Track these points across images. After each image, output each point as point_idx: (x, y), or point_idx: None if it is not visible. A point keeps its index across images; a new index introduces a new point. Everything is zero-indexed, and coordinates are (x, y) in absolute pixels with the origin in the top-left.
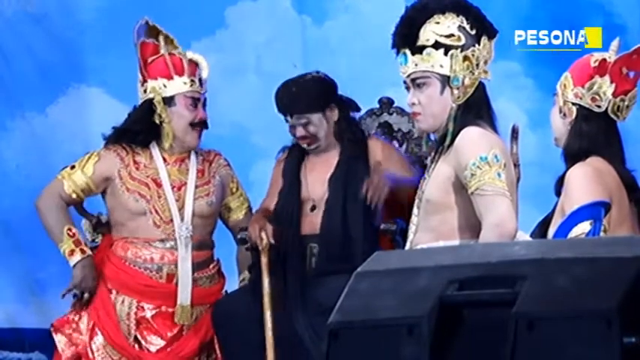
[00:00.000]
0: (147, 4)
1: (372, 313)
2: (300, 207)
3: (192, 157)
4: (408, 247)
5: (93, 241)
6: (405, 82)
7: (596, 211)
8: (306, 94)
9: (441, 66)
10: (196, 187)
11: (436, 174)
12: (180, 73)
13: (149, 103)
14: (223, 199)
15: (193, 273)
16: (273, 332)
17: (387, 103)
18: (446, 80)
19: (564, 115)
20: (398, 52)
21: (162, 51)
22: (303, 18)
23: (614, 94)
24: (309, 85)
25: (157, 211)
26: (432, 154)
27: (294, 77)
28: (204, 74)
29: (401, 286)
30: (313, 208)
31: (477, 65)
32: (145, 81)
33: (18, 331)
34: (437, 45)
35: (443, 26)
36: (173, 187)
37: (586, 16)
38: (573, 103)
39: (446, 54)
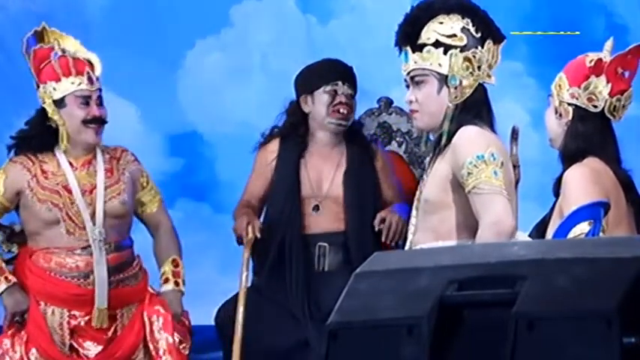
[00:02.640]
0: (151, 3)
1: (372, 313)
2: (301, 207)
3: (99, 157)
4: (407, 247)
5: (9, 251)
6: (405, 80)
7: (595, 211)
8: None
9: (440, 65)
10: (107, 187)
11: (434, 174)
12: (67, 74)
13: (43, 108)
14: (135, 195)
15: (119, 274)
16: (243, 329)
17: (386, 103)
18: (444, 79)
19: (560, 115)
20: (400, 50)
21: (51, 57)
22: (307, 17)
23: (611, 94)
24: None
25: (70, 218)
26: (430, 154)
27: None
28: (97, 72)
29: (400, 286)
30: (316, 207)
31: (479, 67)
32: (38, 87)
33: None
34: (437, 44)
35: (446, 26)
36: (84, 192)
37: (588, 17)
38: (569, 104)
39: (445, 53)
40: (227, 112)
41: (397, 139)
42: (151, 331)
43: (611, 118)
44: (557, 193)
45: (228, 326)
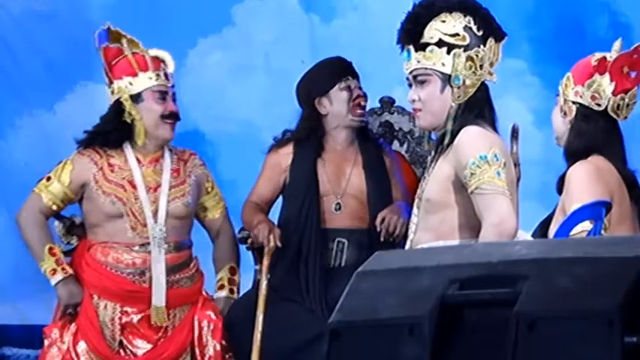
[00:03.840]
0: (152, 2)
1: (374, 312)
2: (320, 203)
3: (167, 156)
4: (408, 247)
5: (68, 243)
6: (407, 79)
7: (597, 210)
8: None
9: (443, 64)
10: (171, 187)
11: (436, 173)
12: (145, 69)
13: (118, 103)
14: (199, 199)
15: (175, 274)
16: (262, 334)
17: (387, 103)
18: (447, 79)
19: (565, 113)
20: (402, 48)
21: (125, 52)
22: (310, 16)
23: (614, 93)
24: None
25: (133, 214)
26: (432, 153)
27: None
28: (170, 69)
29: (402, 285)
30: (338, 205)
31: (481, 66)
32: (111, 83)
33: (28, 327)
34: (440, 43)
35: (448, 25)
36: (149, 189)
37: (591, 15)
38: (573, 102)
39: (449, 53)
40: (229, 111)
41: (399, 138)
42: (200, 335)
43: (615, 117)
44: (560, 190)
45: (239, 326)
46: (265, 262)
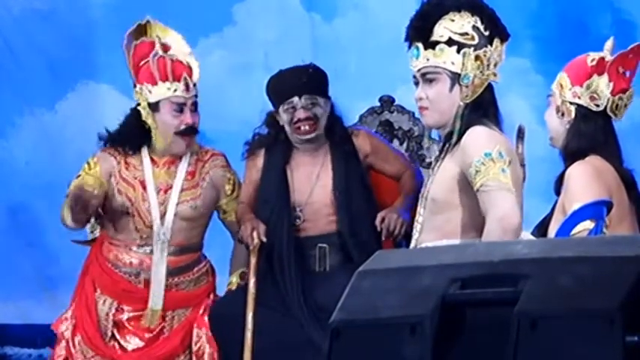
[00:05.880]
0: (154, 1)
1: (375, 311)
2: (292, 212)
3: (184, 158)
4: (412, 246)
5: (91, 232)
6: (414, 77)
7: (598, 210)
8: (320, 76)
9: (453, 63)
10: (182, 190)
11: (442, 172)
12: (164, 79)
13: (137, 107)
14: (217, 201)
15: (175, 277)
16: (253, 334)
17: (387, 102)
18: (456, 78)
19: (562, 114)
20: (410, 46)
21: (151, 55)
22: (312, 15)
23: (613, 93)
24: (320, 70)
25: (139, 214)
26: (438, 152)
27: (294, 66)
28: (195, 77)
29: (403, 284)
30: (309, 211)
31: (488, 66)
32: (135, 85)
33: (30, 327)
34: (450, 42)
35: (457, 24)
36: (159, 190)
37: (595, 13)
38: (571, 103)
39: (458, 52)
40: (230, 110)
41: (399, 137)
42: (197, 342)
43: (612, 116)
44: (558, 191)
45: (222, 324)
46: (252, 259)
